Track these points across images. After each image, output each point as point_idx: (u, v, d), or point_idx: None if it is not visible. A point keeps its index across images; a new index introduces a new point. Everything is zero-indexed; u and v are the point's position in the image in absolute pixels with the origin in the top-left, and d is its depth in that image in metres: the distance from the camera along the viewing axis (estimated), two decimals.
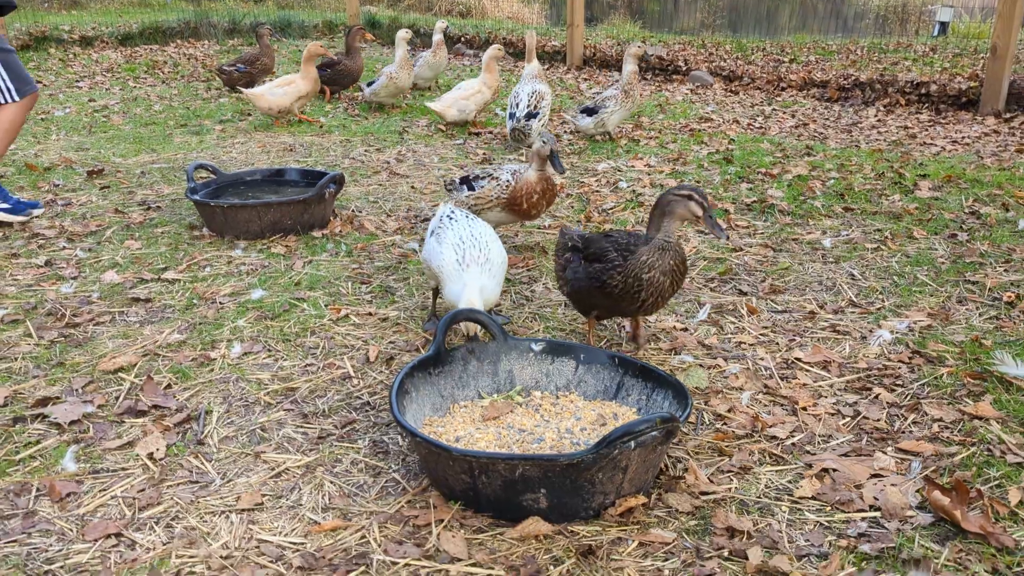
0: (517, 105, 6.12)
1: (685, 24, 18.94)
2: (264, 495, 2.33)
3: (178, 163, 5.95)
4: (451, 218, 3.25)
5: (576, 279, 3.02)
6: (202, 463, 2.48)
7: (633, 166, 5.79)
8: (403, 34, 7.59)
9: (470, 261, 3.02)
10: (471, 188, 4.02)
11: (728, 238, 3.15)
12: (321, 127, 7.07)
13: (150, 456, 2.49)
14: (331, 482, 2.39)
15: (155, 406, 2.77)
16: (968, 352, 3.04)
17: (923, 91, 7.94)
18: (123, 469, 2.44)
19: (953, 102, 7.73)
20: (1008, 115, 7.23)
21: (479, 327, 2.81)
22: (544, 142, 3.76)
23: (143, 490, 2.34)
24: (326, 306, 3.55)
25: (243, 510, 2.27)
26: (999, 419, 2.60)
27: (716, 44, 11.42)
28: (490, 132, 6.91)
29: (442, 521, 2.18)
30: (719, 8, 22.55)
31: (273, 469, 2.45)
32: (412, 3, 17.63)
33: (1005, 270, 3.81)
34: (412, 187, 5.34)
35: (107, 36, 11.75)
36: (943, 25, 12.66)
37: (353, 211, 4.83)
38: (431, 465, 2.26)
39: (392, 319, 3.44)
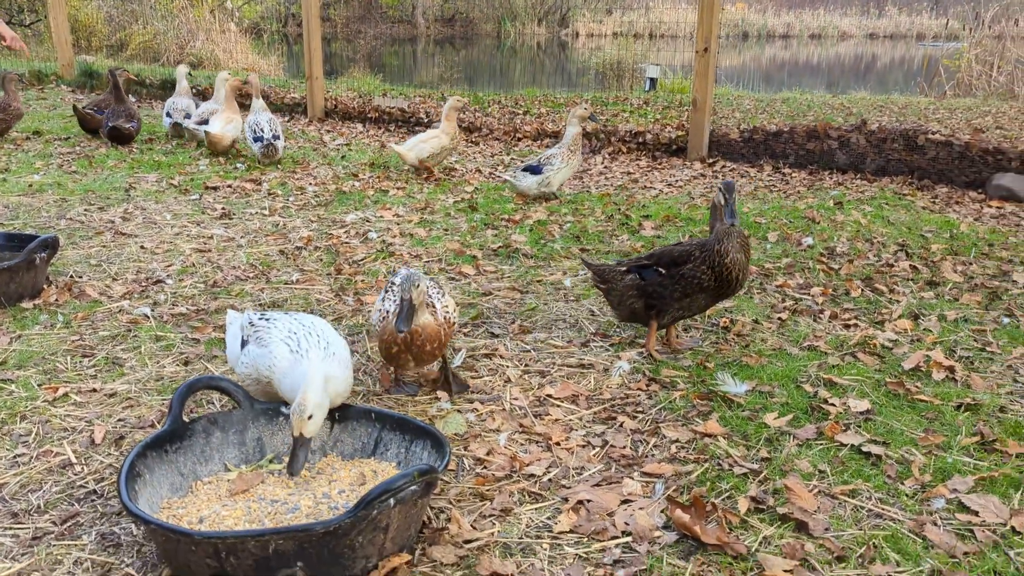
0: (263, 130, 7.31)
1: (424, 78, 19.50)
2: None
3: None
4: (265, 319, 2.72)
5: (660, 286, 3.40)
6: None
7: (382, 216, 5.78)
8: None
9: (308, 348, 2.55)
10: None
11: (733, 224, 3.19)
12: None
13: None
14: None
15: None
16: (695, 375, 3.32)
17: (640, 140, 8.74)
18: None
19: (666, 149, 8.58)
20: (711, 160, 8.15)
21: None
22: (404, 282, 2.82)
23: None
24: (39, 386, 3.14)
25: None
26: (725, 435, 2.85)
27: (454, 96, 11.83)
28: (229, 186, 6.59)
29: None
30: (456, 64, 23.49)
31: None
32: (135, 53, 16.53)
33: None
34: (142, 247, 4.92)
35: None
36: (652, 81, 14.07)
37: (72, 277, 4.35)
38: (170, 553, 2.04)
39: (121, 393, 3.11)
